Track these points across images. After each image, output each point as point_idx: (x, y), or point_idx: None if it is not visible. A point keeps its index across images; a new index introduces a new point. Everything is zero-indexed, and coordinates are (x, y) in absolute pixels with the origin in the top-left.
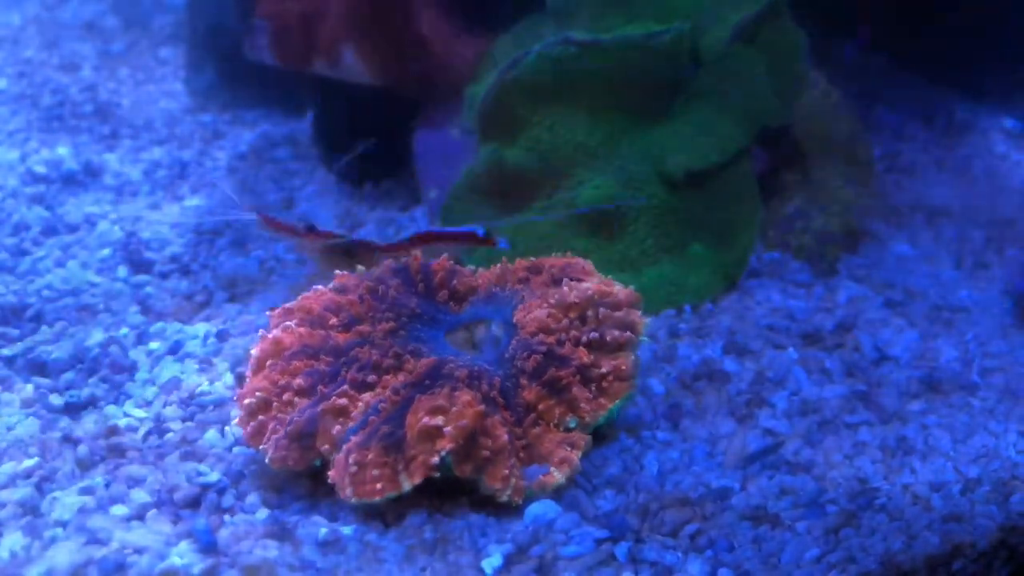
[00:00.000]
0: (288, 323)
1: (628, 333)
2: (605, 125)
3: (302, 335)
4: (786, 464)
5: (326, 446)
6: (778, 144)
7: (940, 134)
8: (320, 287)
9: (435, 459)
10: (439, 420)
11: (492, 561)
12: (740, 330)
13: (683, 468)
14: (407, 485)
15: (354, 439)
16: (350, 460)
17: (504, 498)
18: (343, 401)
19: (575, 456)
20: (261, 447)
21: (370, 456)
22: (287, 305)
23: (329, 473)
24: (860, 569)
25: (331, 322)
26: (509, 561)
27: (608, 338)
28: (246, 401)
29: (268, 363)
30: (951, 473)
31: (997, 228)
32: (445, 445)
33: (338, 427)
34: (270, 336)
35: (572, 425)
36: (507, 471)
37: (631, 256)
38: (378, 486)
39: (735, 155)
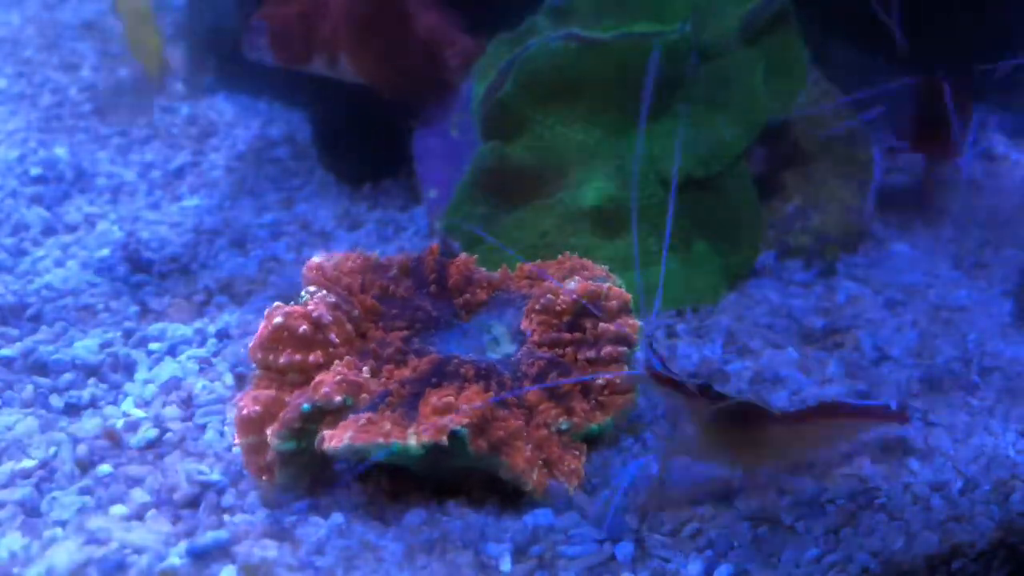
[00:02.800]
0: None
1: (623, 348)
2: (604, 124)
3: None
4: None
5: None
6: (778, 144)
7: None
8: (345, 256)
9: (448, 419)
10: (451, 399)
11: (503, 562)
12: (739, 330)
13: (682, 468)
14: (413, 441)
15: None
16: (364, 416)
17: (529, 486)
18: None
19: (581, 468)
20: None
21: (386, 414)
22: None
23: (324, 431)
24: (859, 569)
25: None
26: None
27: (603, 353)
28: (275, 443)
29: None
30: (951, 473)
31: (997, 228)
32: (460, 420)
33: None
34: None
35: (564, 427)
36: (528, 453)
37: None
38: (384, 431)
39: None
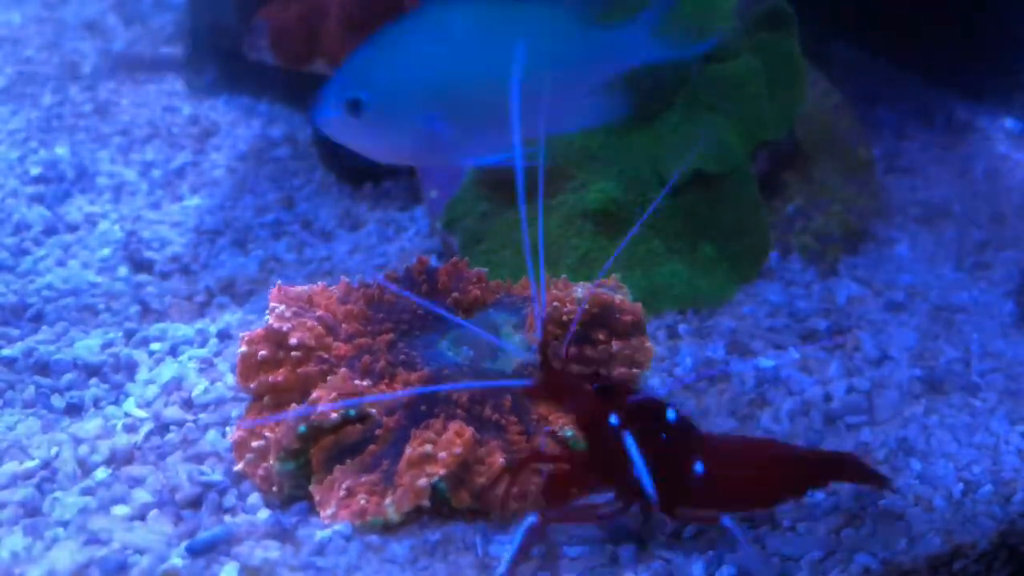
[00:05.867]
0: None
1: (635, 370)
2: (608, 125)
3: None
4: None
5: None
6: (779, 144)
7: (940, 134)
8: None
9: (423, 481)
10: (428, 448)
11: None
12: (741, 330)
13: None
14: (393, 513)
15: (351, 463)
16: (344, 485)
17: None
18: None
19: None
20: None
21: (363, 479)
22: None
23: (314, 490)
24: (861, 569)
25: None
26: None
27: (613, 374)
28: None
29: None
30: (952, 473)
31: (997, 228)
32: (437, 470)
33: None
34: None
35: (568, 434)
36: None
37: (639, 255)
38: (360, 508)
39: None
